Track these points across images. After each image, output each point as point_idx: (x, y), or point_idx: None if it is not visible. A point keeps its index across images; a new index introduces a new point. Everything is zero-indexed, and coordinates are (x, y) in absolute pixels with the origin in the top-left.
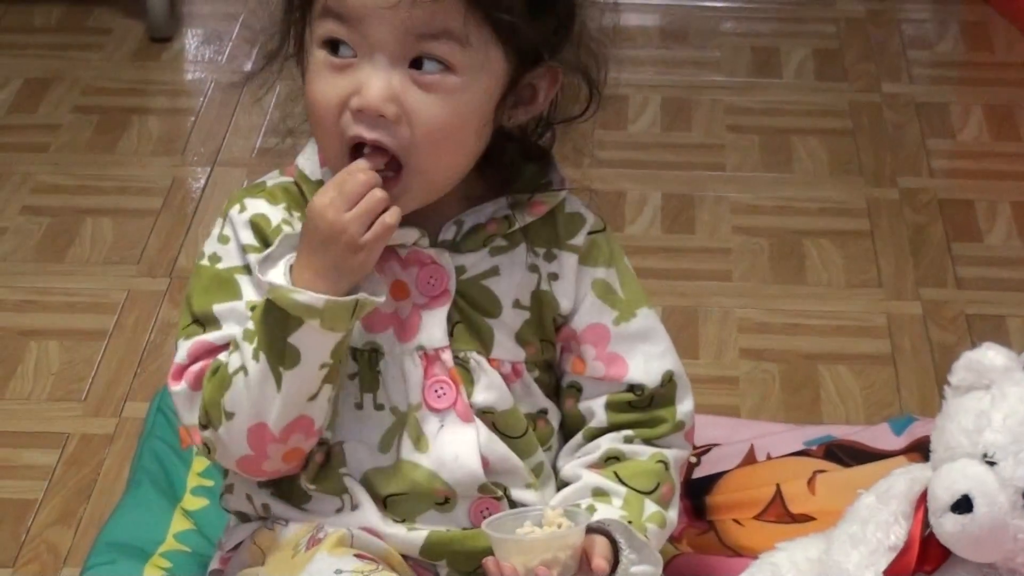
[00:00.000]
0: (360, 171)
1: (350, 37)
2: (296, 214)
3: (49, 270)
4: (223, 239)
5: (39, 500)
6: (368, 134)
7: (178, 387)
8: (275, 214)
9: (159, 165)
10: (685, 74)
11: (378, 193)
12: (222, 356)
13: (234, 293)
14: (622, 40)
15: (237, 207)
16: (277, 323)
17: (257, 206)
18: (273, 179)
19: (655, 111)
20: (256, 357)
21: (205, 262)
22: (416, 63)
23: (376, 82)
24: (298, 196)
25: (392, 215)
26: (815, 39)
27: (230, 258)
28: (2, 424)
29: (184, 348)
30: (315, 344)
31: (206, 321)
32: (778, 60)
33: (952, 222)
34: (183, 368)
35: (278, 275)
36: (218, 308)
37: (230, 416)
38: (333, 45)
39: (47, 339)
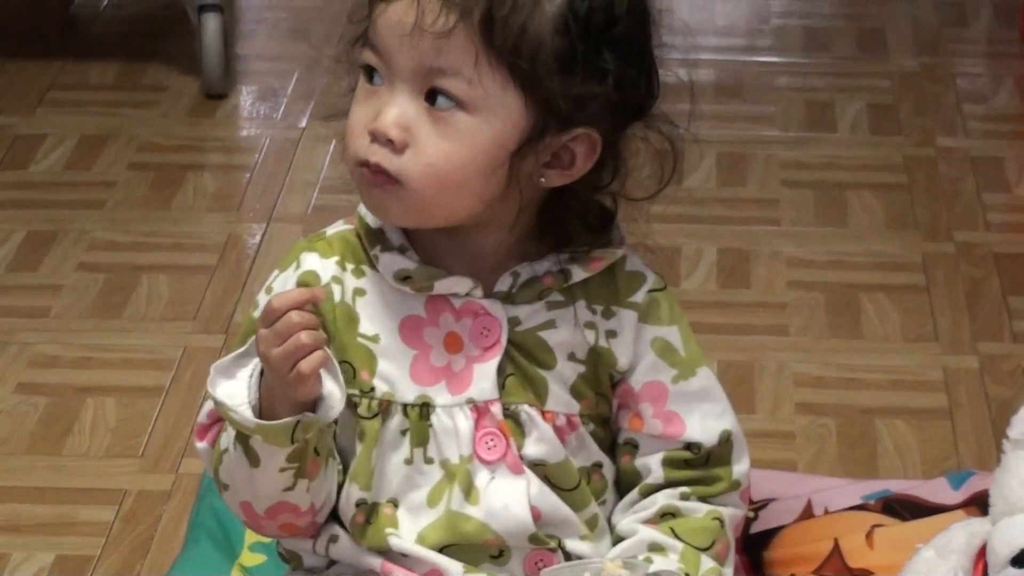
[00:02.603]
0: (295, 313)
1: (380, 65)
2: (350, 266)
3: (106, 327)
4: (269, 290)
5: (97, 556)
6: (372, 156)
7: (201, 445)
8: (326, 270)
9: (214, 221)
10: (740, 129)
11: (302, 338)
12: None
13: None
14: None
15: (294, 264)
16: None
17: (310, 262)
18: (335, 227)
19: (710, 166)
20: (234, 445)
21: (252, 310)
22: (431, 96)
23: (392, 108)
24: (356, 246)
25: (309, 363)
26: (869, 93)
27: None
28: (60, 480)
29: (207, 407)
30: (269, 452)
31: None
32: (833, 115)
33: (1008, 276)
34: (205, 428)
35: (225, 388)
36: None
37: (226, 487)
38: (369, 72)
39: (104, 395)
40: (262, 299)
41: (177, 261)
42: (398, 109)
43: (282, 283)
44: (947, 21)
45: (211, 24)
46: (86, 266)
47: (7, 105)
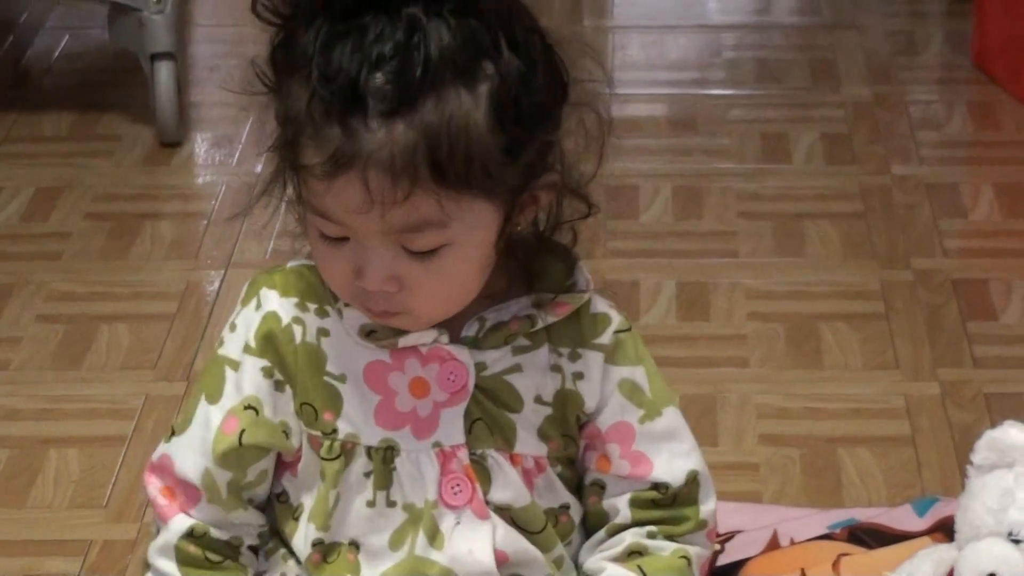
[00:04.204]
0: None
1: (340, 231)
2: (312, 306)
3: (66, 378)
4: (232, 327)
5: None
6: (376, 308)
7: (150, 485)
8: (286, 311)
9: (173, 269)
10: (695, 162)
11: None
12: (152, 552)
13: (218, 389)
14: (630, 131)
15: (254, 301)
16: None
17: (271, 301)
18: (295, 261)
19: (666, 200)
20: None
21: (217, 346)
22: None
23: (375, 265)
24: (316, 284)
25: None
26: (823, 124)
27: (231, 348)
28: (24, 533)
29: (159, 451)
30: None
31: (185, 417)
32: (787, 146)
33: (967, 301)
34: (152, 469)
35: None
36: (199, 410)
37: None
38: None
39: (66, 447)
40: (227, 335)
41: (136, 310)
42: (382, 265)
43: (245, 320)
44: (898, 50)
45: (164, 72)
46: (45, 318)
47: None
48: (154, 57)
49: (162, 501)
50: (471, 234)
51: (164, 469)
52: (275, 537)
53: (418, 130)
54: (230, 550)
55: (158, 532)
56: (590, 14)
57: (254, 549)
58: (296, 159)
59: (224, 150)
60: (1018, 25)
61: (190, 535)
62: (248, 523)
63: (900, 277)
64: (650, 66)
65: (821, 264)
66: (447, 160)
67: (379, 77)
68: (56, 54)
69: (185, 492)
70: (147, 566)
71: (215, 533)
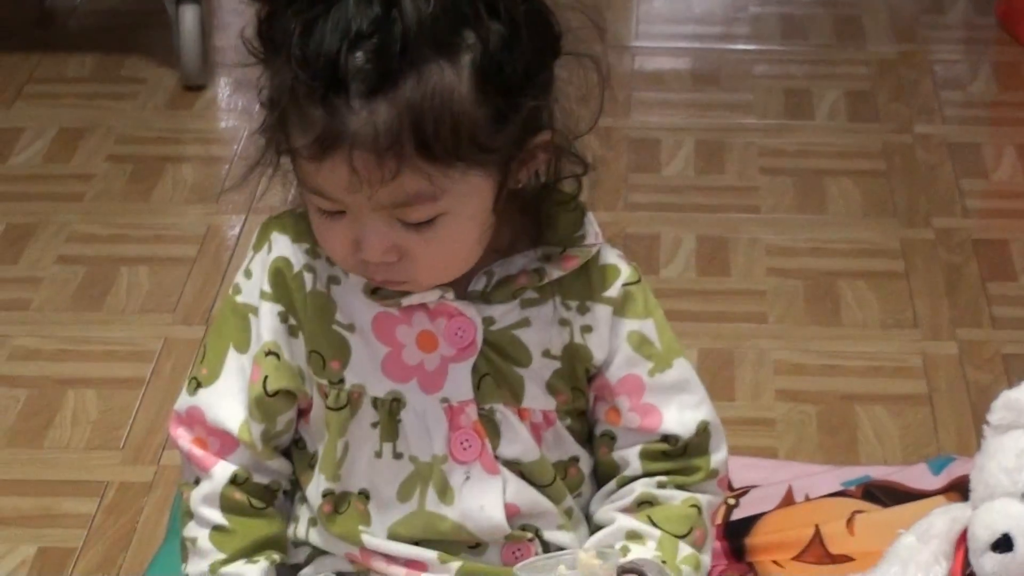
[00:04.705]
0: None
1: (334, 206)
2: (324, 252)
3: (86, 319)
4: (247, 273)
5: (79, 549)
6: (378, 277)
7: (180, 438)
8: (297, 257)
9: (194, 213)
10: (718, 117)
11: None
12: (195, 499)
13: (244, 336)
14: (653, 84)
15: (266, 246)
16: None
17: (281, 245)
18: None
19: (688, 154)
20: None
21: (230, 290)
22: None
23: (373, 238)
24: None
25: None
26: (847, 81)
27: (249, 294)
28: (42, 473)
29: (185, 401)
30: None
31: (211, 369)
32: (810, 102)
33: (987, 262)
34: (179, 421)
35: None
36: (228, 360)
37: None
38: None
39: (85, 388)
40: (241, 281)
41: (157, 253)
42: (379, 238)
43: (259, 265)
44: (924, 8)
45: (189, 16)
46: (66, 259)
47: None
48: (179, 0)
49: (198, 452)
50: (466, 202)
51: (194, 420)
52: (296, 485)
53: (401, 108)
54: (270, 495)
55: (197, 481)
56: None
57: (288, 495)
58: (284, 140)
59: (248, 95)
60: None
61: (234, 481)
62: (280, 470)
63: (920, 236)
64: (675, 20)
65: (841, 221)
66: (432, 136)
67: (359, 56)
68: None
69: (221, 440)
70: (189, 515)
71: (256, 478)
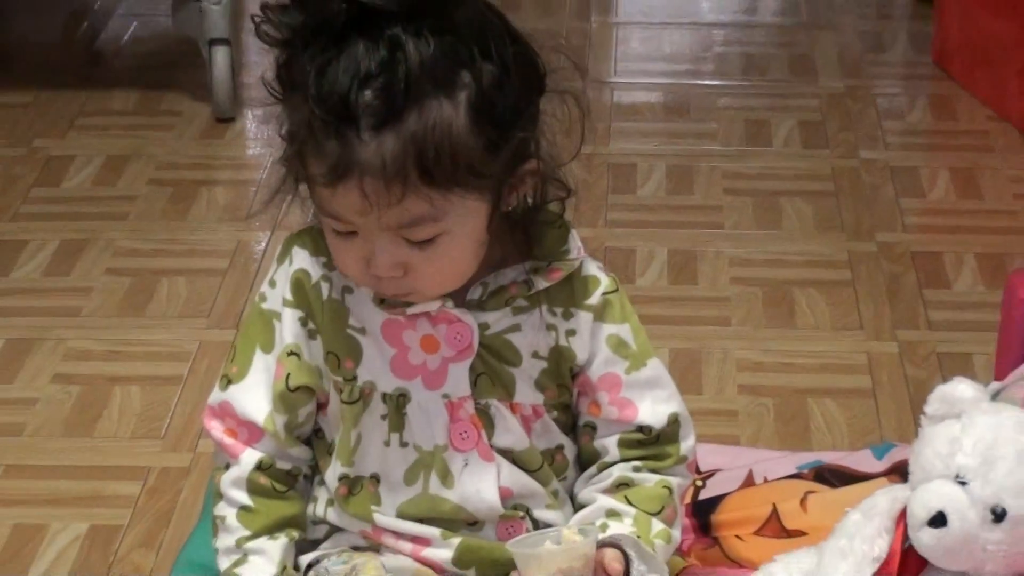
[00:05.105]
0: None
1: (347, 227)
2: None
3: (131, 324)
4: (272, 283)
5: (125, 526)
6: (387, 291)
7: (212, 428)
8: (315, 269)
9: (225, 230)
10: (687, 144)
11: None
12: (225, 482)
13: (269, 339)
14: (629, 116)
15: (288, 260)
16: None
17: (301, 258)
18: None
19: (661, 177)
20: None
21: (256, 298)
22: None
23: (382, 256)
24: None
25: None
26: (800, 112)
27: (273, 302)
28: (92, 460)
29: (217, 396)
30: None
31: (241, 367)
32: (768, 131)
33: (923, 271)
34: (212, 414)
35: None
36: (255, 360)
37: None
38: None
39: (130, 384)
40: (266, 290)
41: (192, 265)
42: (388, 256)
43: (282, 276)
44: (868, 48)
45: (220, 56)
46: (113, 271)
47: (42, 130)
48: (212, 42)
49: (228, 440)
50: (463, 222)
51: (225, 413)
52: (315, 470)
53: (405, 139)
54: (291, 479)
55: (227, 467)
56: (597, 12)
57: (308, 479)
58: (302, 169)
59: (272, 126)
60: (972, 29)
61: (259, 467)
62: (301, 457)
63: (865, 249)
64: (649, 59)
65: (795, 236)
66: (433, 164)
67: (367, 94)
68: (125, 38)
69: (248, 431)
70: (219, 496)
71: (279, 464)
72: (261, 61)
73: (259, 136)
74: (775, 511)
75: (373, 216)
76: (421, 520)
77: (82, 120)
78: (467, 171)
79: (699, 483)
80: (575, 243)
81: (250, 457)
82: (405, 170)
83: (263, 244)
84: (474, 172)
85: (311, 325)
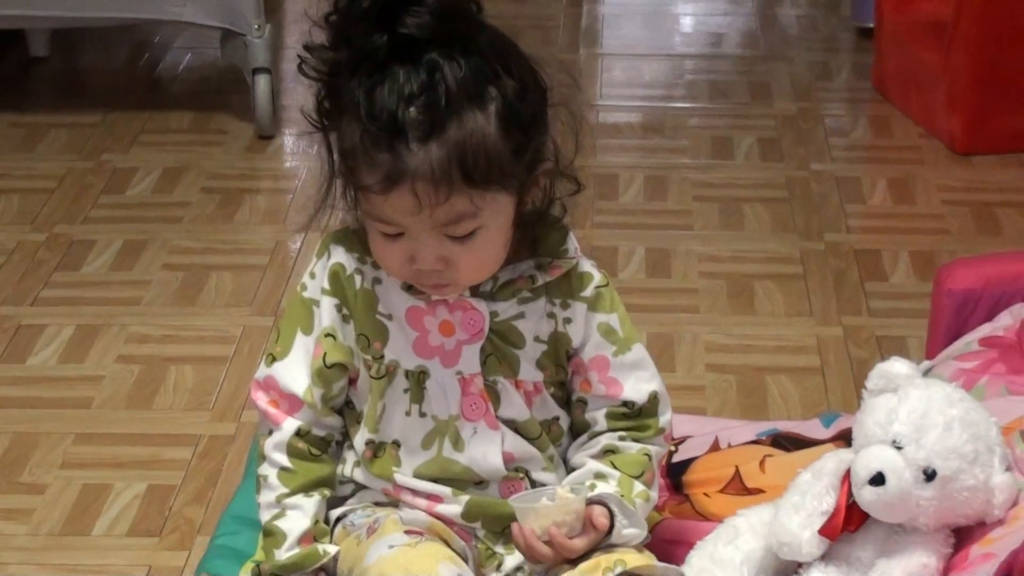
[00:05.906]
0: None
1: (396, 229)
2: (369, 259)
3: (184, 312)
4: (311, 275)
5: (178, 486)
6: (428, 283)
7: (258, 399)
8: (350, 262)
9: (266, 232)
10: (661, 158)
11: None
12: (268, 446)
13: (308, 323)
14: (613, 134)
15: (326, 255)
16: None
17: (338, 254)
18: (356, 225)
19: (639, 186)
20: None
21: (298, 287)
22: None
23: (426, 251)
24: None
25: None
26: (759, 130)
27: (313, 291)
28: (151, 428)
29: (263, 372)
30: None
31: (283, 347)
32: (731, 146)
33: (865, 267)
34: (258, 387)
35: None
36: (296, 341)
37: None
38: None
39: (183, 364)
40: (307, 280)
41: (237, 262)
42: (431, 250)
43: (321, 268)
44: (816, 75)
45: (262, 83)
46: (169, 266)
47: (109, 145)
48: (255, 71)
49: (272, 410)
50: (496, 218)
51: (270, 386)
52: (346, 436)
53: (449, 147)
54: (325, 445)
55: (270, 433)
56: (585, 44)
57: (339, 445)
58: (356, 181)
59: (307, 142)
60: (906, 60)
61: (298, 434)
62: (334, 426)
63: (814, 247)
64: (630, 85)
65: (755, 236)
66: (473, 166)
67: (413, 111)
68: (181, 67)
69: (289, 402)
70: (263, 457)
71: (315, 431)
72: (298, 88)
73: (296, 151)
74: (737, 472)
75: (423, 215)
76: (435, 480)
77: (144, 137)
78: (499, 171)
79: (672, 448)
80: (573, 243)
81: (290, 425)
82: (450, 173)
83: (297, 244)
84: (505, 172)
85: (345, 311)
